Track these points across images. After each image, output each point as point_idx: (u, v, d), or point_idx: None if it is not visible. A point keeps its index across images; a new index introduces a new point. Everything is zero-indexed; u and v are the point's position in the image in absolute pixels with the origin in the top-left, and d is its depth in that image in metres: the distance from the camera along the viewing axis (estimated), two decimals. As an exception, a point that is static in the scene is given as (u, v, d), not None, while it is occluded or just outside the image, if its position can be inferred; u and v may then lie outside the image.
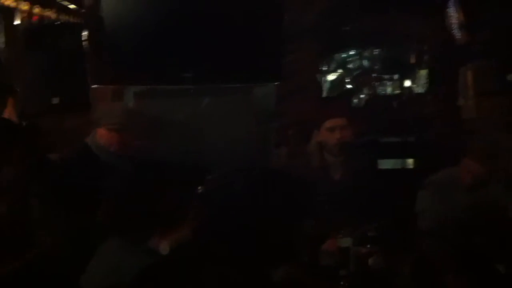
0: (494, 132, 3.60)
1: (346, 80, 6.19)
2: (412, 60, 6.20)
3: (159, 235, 1.82)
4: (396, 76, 6.42)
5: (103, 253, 1.93)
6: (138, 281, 1.68)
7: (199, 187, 3.23)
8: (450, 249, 2.91)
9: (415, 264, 2.99)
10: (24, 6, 4.78)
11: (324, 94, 6.10)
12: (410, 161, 5.57)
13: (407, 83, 6.36)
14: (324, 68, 6.20)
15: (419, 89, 6.20)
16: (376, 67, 6.26)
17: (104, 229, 1.98)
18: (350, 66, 6.23)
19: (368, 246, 2.65)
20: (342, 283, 2.53)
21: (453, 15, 5.17)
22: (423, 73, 6.11)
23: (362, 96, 6.30)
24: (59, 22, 4.87)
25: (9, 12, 4.83)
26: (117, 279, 1.72)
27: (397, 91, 6.43)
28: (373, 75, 6.24)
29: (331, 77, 6.14)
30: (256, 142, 5.15)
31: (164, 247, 1.80)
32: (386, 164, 5.03)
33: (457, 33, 5.19)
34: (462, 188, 3.18)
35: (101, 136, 3.20)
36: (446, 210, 3.16)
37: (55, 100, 4.26)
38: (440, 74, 5.72)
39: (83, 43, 4.59)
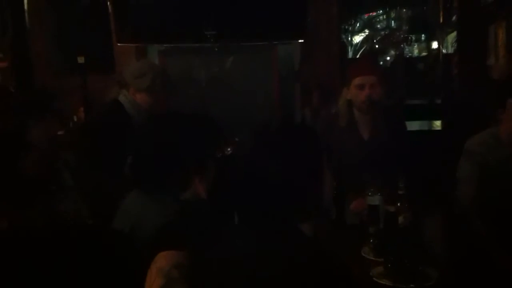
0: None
1: (373, 41, 6.08)
2: (440, 19, 6.06)
3: (196, 182, 1.80)
4: (423, 37, 6.29)
5: (126, 206, 1.91)
6: (158, 235, 1.67)
7: (228, 149, 3.20)
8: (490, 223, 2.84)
9: (446, 227, 2.94)
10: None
11: (350, 54, 6.00)
12: (437, 122, 5.50)
13: (435, 44, 6.23)
14: (350, 28, 6.10)
15: (447, 50, 6.07)
16: (404, 27, 6.12)
17: (129, 183, 1.96)
18: (378, 26, 6.10)
19: (398, 204, 2.60)
20: (371, 240, 2.49)
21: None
22: (452, 32, 5.97)
23: (388, 58, 6.20)
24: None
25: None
26: (137, 232, 1.70)
27: (424, 53, 6.31)
28: (402, 35, 6.11)
29: (358, 37, 6.03)
30: (280, 102, 5.12)
31: (203, 192, 1.78)
32: (413, 125, 4.96)
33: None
34: (503, 145, 3.03)
35: (136, 95, 3.14)
36: (487, 177, 3.04)
37: (80, 60, 4.23)
38: (468, 33, 5.56)
39: (107, 1, 4.55)
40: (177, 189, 1.79)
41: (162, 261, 1.58)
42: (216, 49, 4.72)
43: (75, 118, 5.28)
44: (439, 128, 5.46)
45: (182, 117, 1.91)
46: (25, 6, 5.16)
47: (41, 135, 2.45)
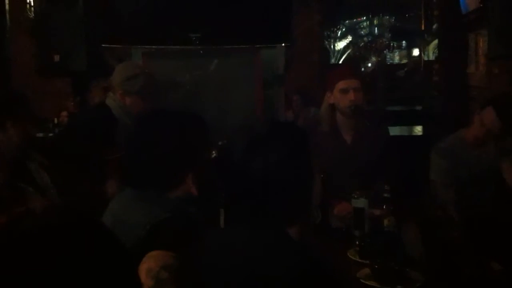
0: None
1: (357, 47, 6.12)
2: (421, 27, 6.13)
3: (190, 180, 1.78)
4: (404, 44, 6.36)
5: (116, 202, 1.88)
6: (148, 235, 1.65)
7: (213, 152, 3.18)
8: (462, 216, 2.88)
9: (424, 228, 2.96)
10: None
11: (332, 60, 6.03)
12: (418, 128, 5.56)
13: (416, 51, 6.29)
14: (333, 35, 6.13)
15: (428, 57, 6.13)
16: (386, 34, 6.18)
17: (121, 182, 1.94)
18: (361, 32, 6.15)
19: (384, 207, 2.62)
20: (357, 243, 2.50)
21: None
22: (433, 40, 6.04)
23: (369, 64, 6.24)
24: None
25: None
26: (125, 229, 1.67)
27: (405, 60, 6.37)
28: (384, 42, 6.17)
29: (341, 43, 6.06)
30: (264, 106, 5.13)
31: (195, 191, 1.76)
32: (394, 130, 4.99)
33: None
34: (468, 147, 3.15)
35: (125, 98, 3.08)
36: (456, 173, 3.12)
37: (57, 58, 4.22)
38: (449, 42, 5.63)
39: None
40: (166, 187, 1.77)
41: (151, 262, 1.56)
42: (201, 52, 4.72)
43: (55, 121, 5.23)
44: (420, 133, 5.51)
45: (172, 114, 1.89)
46: (6, 7, 5.11)
47: (10, 136, 2.41)
